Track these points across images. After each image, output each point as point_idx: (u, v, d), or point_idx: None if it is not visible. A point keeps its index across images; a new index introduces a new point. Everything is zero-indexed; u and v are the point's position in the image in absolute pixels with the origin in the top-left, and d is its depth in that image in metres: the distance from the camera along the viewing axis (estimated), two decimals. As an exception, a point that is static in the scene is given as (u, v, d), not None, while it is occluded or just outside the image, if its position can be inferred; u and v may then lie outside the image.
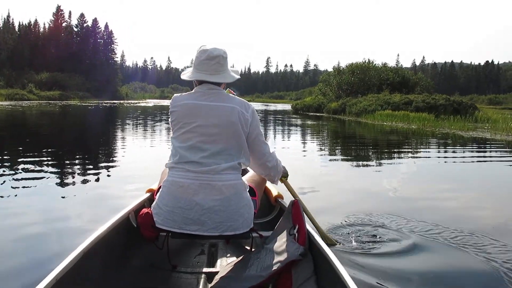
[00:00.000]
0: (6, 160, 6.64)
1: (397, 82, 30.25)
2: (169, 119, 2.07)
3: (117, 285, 1.86)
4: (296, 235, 1.89)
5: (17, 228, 3.19)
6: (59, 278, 1.42)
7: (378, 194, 4.85)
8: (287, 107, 49.91)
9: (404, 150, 10.14)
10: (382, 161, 8.08)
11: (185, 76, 2.10)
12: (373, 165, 7.44)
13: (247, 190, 2.10)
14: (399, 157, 8.67)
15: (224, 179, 1.94)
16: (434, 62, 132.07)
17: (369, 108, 22.97)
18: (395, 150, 9.99)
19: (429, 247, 2.99)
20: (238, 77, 2.09)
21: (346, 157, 8.54)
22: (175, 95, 2.09)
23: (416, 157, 8.70)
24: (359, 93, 29.05)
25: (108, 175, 5.40)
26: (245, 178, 2.31)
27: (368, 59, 33.67)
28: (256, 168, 2.25)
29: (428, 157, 8.76)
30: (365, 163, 7.82)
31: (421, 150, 10.10)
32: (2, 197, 4.08)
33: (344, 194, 4.92)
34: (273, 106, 54.42)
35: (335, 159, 8.15)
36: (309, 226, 1.96)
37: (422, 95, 24.57)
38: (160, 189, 2.02)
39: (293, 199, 2.13)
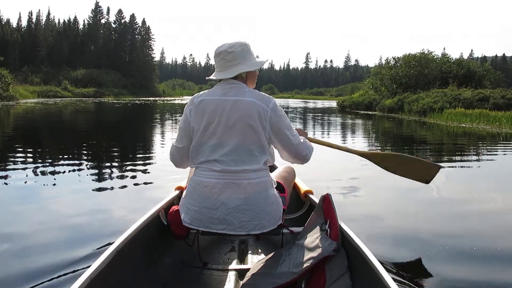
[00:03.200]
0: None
1: (462, 75, 26.02)
2: (184, 117, 2.02)
3: (149, 283, 1.86)
4: (328, 230, 1.86)
5: (56, 218, 3.41)
6: (93, 277, 1.44)
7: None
8: (329, 104, 46.60)
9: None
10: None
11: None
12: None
13: (275, 186, 2.07)
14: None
15: (249, 177, 1.90)
16: (484, 56, 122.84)
17: (434, 106, 19.16)
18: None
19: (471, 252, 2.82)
20: (246, 70, 1.98)
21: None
22: (195, 93, 2.07)
23: None
24: (418, 87, 25.11)
25: (135, 174, 5.27)
26: (273, 174, 2.28)
27: (428, 49, 29.53)
28: (291, 160, 2.13)
29: None
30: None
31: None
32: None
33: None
34: (312, 103, 50.56)
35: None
36: (341, 221, 1.88)
37: (499, 90, 20.54)
38: (187, 189, 2.03)
39: (324, 194, 2.03)
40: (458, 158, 7.99)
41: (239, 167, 1.88)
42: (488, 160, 7.70)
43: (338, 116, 22.34)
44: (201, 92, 2.03)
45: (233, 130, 1.89)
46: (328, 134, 12.58)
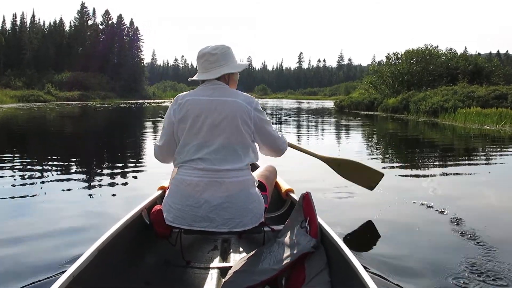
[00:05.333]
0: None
1: (469, 71, 24.28)
2: (168, 117, 2.03)
3: (132, 282, 1.87)
4: (308, 227, 1.89)
5: (37, 220, 3.40)
6: (76, 275, 1.43)
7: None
8: (324, 104, 44.74)
9: None
10: None
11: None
12: None
13: (257, 185, 2.10)
14: None
15: (232, 175, 1.93)
16: (478, 53, 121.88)
17: (446, 105, 17.29)
18: None
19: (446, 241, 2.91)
20: (230, 71, 2.05)
21: None
22: (179, 94, 2.09)
23: None
24: (423, 85, 23.29)
25: (118, 174, 5.29)
26: (255, 173, 2.31)
27: (431, 45, 27.72)
28: (269, 153, 2.23)
29: None
30: None
31: None
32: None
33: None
34: (306, 104, 48.39)
35: None
36: (320, 219, 1.92)
37: (515, 86, 18.74)
38: (169, 188, 2.03)
39: (304, 192, 2.04)
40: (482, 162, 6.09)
41: (223, 166, 1.90)
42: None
43: (338, 118, 20.38)
44: (185, 92, 2.05)
45: (218, 129, 1.92)
46: (322, 138, 10.64)
